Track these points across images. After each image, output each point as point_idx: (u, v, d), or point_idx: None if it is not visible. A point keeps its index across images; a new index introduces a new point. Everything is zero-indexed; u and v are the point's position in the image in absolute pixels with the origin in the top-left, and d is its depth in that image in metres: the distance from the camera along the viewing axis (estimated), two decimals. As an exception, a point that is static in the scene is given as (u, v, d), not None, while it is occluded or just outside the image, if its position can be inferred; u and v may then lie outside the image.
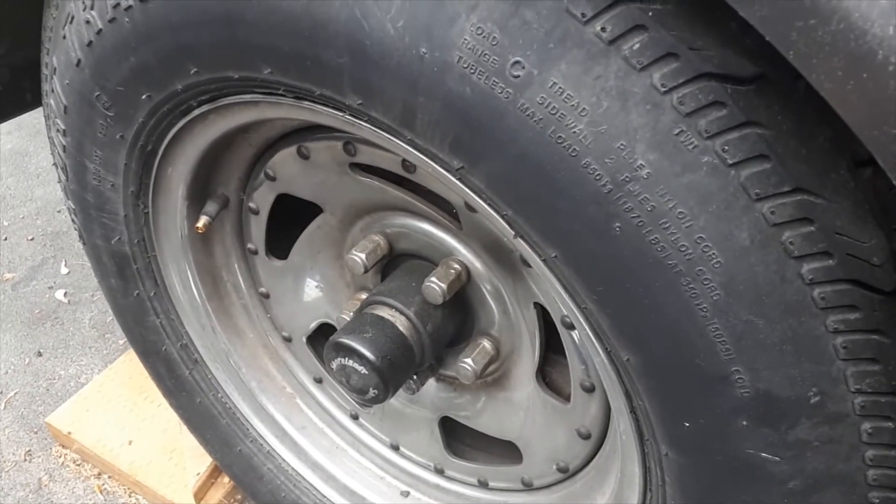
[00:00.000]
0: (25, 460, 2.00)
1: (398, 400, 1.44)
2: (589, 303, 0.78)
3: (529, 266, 1.03)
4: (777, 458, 0.73)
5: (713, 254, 0.66)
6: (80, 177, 1.24)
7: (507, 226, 0.81)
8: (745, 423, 0.73)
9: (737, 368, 0.70)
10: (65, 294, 2.51)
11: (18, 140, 3.32)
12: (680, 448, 0.81)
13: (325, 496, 1.52)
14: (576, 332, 1.04)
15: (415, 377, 1.29)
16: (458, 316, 1.24)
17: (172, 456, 1.84)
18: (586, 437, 1.16)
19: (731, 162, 0.63)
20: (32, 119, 3.41)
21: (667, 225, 0.67)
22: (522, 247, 0.82)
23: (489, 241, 1.08)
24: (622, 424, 0.94)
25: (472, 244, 1.13)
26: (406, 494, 1.49)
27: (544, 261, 0.80)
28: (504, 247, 1.06)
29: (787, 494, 0.76)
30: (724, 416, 0.74)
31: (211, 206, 1.32)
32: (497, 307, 1.19)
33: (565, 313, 1.04)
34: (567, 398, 1.18)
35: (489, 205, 0.80)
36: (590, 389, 1.09)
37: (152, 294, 1.41)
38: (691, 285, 0.68)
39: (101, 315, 2.44)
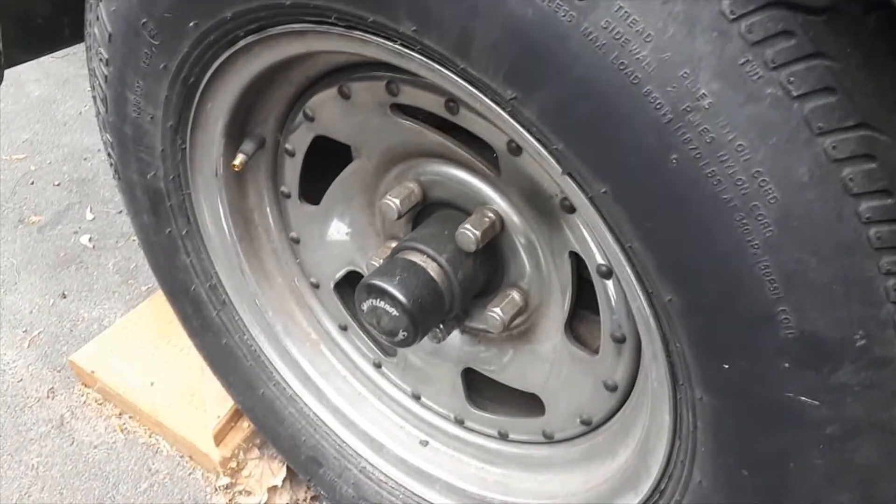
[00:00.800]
0: (48, 397, 2.03)
1: (422, 350, 1.45)
2: (635, 241, 0.77)
3: (570, 212, 1.03)
4: (816, 403, 0.73)
5: (769, 189, 0.66)
6: (120, 108, 1.24)
7: (555, 162, 0.81)
8: (787, 365, 0.73)
9: (784, 308, 0.70)
10: (90, 239, 2.54)
11: (46, 88, 3.33)
12: (717, 392, 0.81)
13: (344, 441, 1.53)
14: (611, 280, 1.04)
15: (441, 326, 1.30)
16: (489, 266, 1.24)
17: (193, 399, 1.86)
18: (613, 389, 1.16)
19: (795, 94, 0.63)
20: (60, 67, 3.42)
21: (724, 157, 0.66)
22: (569, 186, 0.82)
23: (527, 188, 1.08)
24: (655, 372, 0.95)
25: (508, 192, 1.13)
26: (425, 444, 1.50)
27: (591, 199, 0.80)
28: (542, 193, 1.06)
29: (822, 440, 0.76)
30: (766, 358, 0.74)
31: (248, 145, 1.32)
32: (529, 258, 1.19)
33: (601, 262, 1.04)
34: (594, 351, 1.18)
35: (539, 139, 0.80)
36: (621, 340, 1.09)
37: (184, 232, 1.42)
38: (745, 220, 0.68)
39: (124, 262, 2.46)
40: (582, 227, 1.03)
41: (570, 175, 0.80)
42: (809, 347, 0.71)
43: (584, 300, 1.19)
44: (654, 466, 1.04)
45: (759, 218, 0.67)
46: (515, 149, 1.01)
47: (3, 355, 2.14)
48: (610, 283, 1.05)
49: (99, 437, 1.94)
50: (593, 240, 1.03)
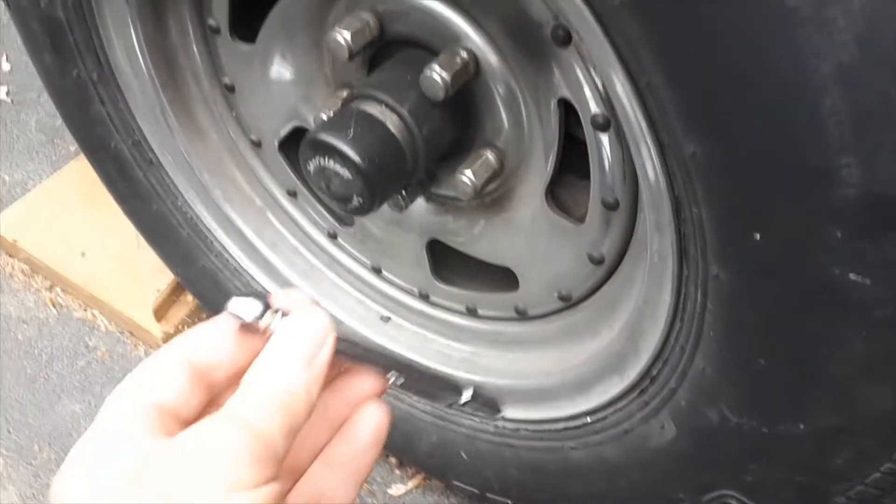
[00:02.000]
0: (-31, 268, 1.84)
1: (382, 220, 1.28)
2: (656, 74, 0.59)
3: (564, 45, 0.83)
4: (867, 281, 0.59)
5: (853, -7, 0.48)
6: None
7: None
8: (839, 233, 0.57)
9: (849, 160, 0.53)
10: (7, 93, 2.26)
11: (-51, -83, 2.89)
12: (739, 268, 0.66)
13: (297, 317, 1.39)
14: (607, 133, 0.87)
15: (404, 192, 1.13)
16: (460, 119, 1.05)
17: (130, 270, 1.68)
18: (599, 262, 1.02)
19: None
20: None
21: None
22: (569, 1, 0.63)
23: (511, 16, 0.87)
24: (658, 244, 0.79)
25: (486, 24, 0.92)
26: (387, 320, 1.37)
27: (599, 17, 0.61)
28: (530, 21, 0.85)
29: (868, 325, 0.62)
30: (813, 225, 0.58)
31: (164, -34, 1.08)
32: (507, 111, 1.01)
33: (596, 111, 0.86)
34: (579, 220, 1.03)
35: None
36: (612, 206, 0.94)
37: (95, 76, 1.19)
38: (813, 39, 0.50)
39: (49, 118, 2.19)
40: (576, 66, 0.84)
41: (572, -15, 0.61)
42: (873, 212, 0.55)
43: (567, 162, 1.02)
44: (644, 349, 0.91)
45: (835, 33, 0.49)
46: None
47: (-86, 222, 1.92)
48: (605, 137, 0.88)
49: (28, 312, 1.77)
50: (588, 82, 0.84)
